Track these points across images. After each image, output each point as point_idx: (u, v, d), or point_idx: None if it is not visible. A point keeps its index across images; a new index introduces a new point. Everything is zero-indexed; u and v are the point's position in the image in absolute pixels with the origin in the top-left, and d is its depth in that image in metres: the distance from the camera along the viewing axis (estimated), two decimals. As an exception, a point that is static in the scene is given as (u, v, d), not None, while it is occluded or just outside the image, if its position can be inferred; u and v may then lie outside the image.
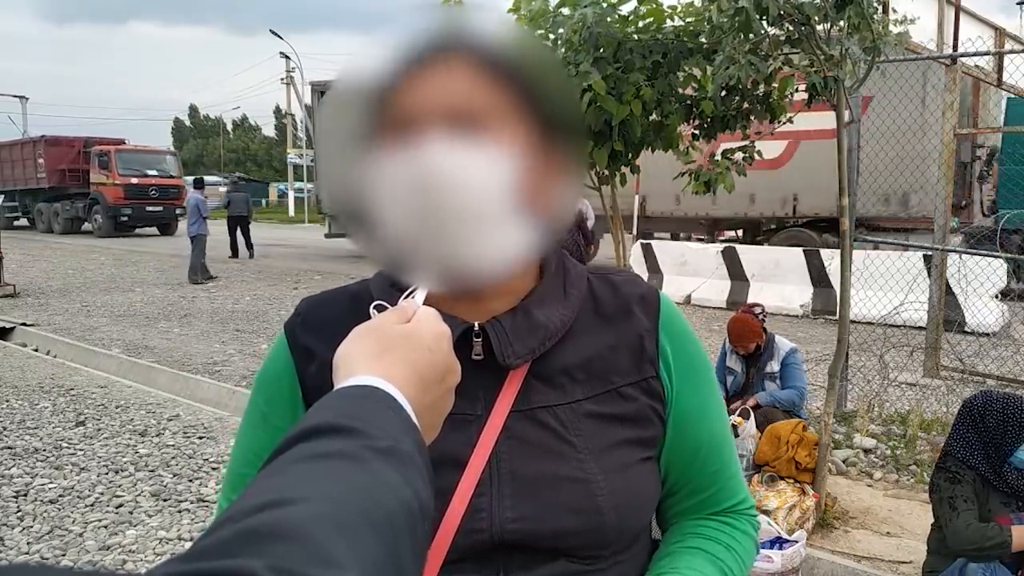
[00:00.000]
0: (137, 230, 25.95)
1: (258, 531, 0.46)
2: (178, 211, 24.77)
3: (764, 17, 3.34)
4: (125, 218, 25.06)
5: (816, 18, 3.36)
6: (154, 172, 25.69)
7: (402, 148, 0.77)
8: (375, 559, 0.48)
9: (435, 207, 0.75)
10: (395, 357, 0.66)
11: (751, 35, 3.44)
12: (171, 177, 26.10)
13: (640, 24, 4.18)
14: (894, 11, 4.14)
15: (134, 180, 24.86)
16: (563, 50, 4.10)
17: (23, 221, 30.64)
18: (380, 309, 0.74)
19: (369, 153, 0.78)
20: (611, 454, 0.87)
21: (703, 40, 4.03)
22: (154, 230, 26.45)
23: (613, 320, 0.92)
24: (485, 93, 0.78)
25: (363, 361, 0.65)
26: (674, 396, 0.92)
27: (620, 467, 0.87)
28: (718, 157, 4.52)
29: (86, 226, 26.80)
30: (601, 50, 4.03)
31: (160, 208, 25.52)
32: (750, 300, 9.55)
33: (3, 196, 29.91)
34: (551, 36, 4.21)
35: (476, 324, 0.85)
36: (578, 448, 0.85)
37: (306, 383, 0.91)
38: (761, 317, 4.81)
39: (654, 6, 4.17)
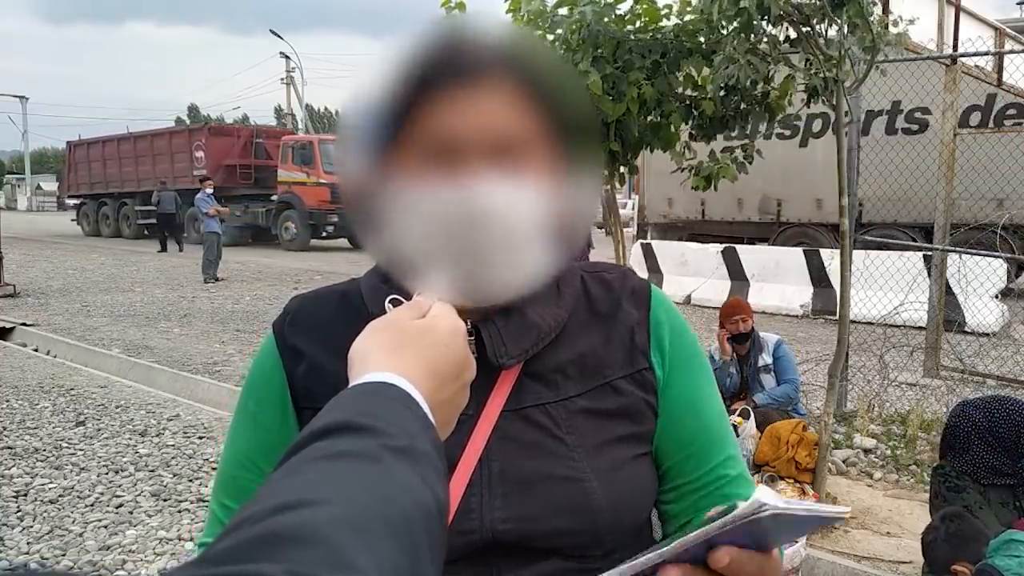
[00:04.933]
0: (319, 243, 20.65)
1: (276, 534, 0.46)
2: None
3: (765, 17, 3.34)
4: (331, 227, 19.70)
5: (815, 18, 3.37)
6: None
7: (439, 175, 0.75)
8: (394, 562, 0.48)
9: (473, 238, 0.75)
10: (411, 353, 0.65)
11: (751, 35, 3.45)
12: None
13: (637, 24, 4.17)
14: (891, 13, 4.13)
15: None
16: (561, 51, 4.09)
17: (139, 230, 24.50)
18: (395, 304, 0.73)
19: (393, 168, 0.77)
20: (604, 452, 0.85)
21: (702, 40, 4.02)
22: (342, 242, 20.38)
23: (606, 316, 0.91)
24: (522, 119, 0.77)
25: (379, 357, 0.64)
26: (667, 386, 0.90)
27: (614, 465, 0.85)
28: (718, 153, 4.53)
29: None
30: (600, 49, 4.03)
31: None
32: (750, 300, 9.61)
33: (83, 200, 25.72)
34: (549, 37, 4.21)
35: (469, 323, 0.83)
36: (570, 446, 0.84)
37: (295, 383, 0.89)
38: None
39: (649, 5, 4.17)
